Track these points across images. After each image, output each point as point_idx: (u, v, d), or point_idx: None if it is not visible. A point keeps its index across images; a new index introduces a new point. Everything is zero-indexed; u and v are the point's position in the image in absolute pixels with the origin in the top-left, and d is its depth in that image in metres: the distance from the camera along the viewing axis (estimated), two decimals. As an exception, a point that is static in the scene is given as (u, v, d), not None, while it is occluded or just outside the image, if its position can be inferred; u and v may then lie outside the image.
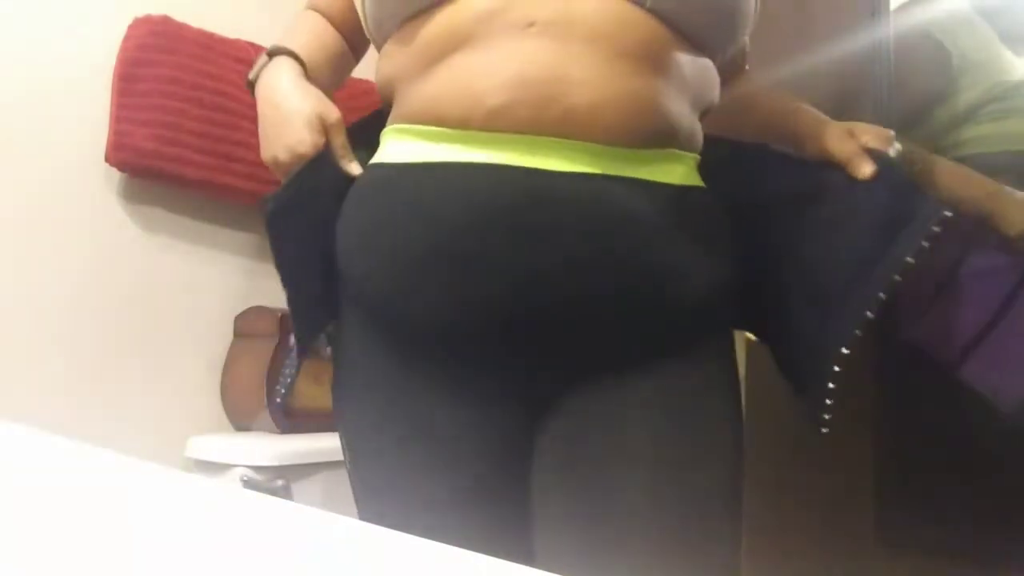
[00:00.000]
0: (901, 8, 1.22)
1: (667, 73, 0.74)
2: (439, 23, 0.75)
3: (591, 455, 0.75)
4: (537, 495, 0.77)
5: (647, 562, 0.72)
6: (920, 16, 1.20)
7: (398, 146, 0.78)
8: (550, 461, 0.76)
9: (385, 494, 0.79)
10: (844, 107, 0.91)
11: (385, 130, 0.82)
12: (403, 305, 0.75)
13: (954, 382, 0.91)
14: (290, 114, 0.81)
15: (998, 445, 1.00)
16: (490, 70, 0.72)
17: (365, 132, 0.85)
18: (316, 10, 0.94)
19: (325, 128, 0.81)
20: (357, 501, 0.82)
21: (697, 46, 0.77)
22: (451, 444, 0.76)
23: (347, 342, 0.81)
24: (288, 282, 0.79)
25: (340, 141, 0.82)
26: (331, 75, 0.92)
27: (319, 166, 0.80)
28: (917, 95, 1.16)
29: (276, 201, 0.79)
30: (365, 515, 0.80)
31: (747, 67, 0.99)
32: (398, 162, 0.78)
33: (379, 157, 0.81)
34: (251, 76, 0.87)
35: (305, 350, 0.82)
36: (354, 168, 0.82)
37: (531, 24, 0.71)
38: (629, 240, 0.72)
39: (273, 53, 0.86)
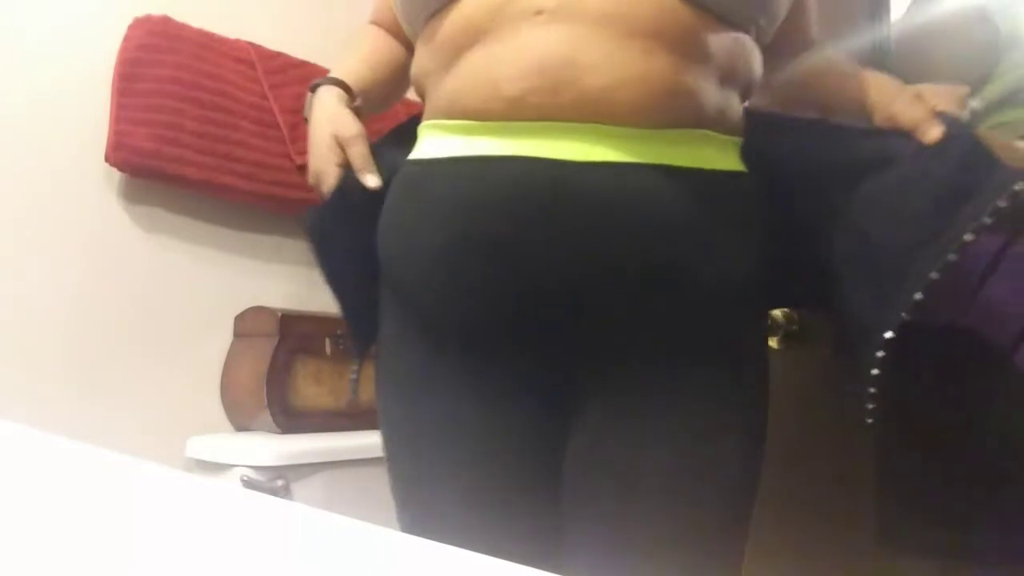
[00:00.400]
0: (901, 8, 1.22)
1: (686, 50, 0.72)
2: (456, 19, 0.76)
3: (612, 455, 0.76)
4: (566, 492, 0.78)
5: (660, 562, 0.73)
6: (921, 16, 1.19)
7: (429, 142, 0.80)
8: (576, 459, 0.77)
9: (416, 486, 0.80)
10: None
11: (419, 127, 0.83)
12: (431, 301, 0.77)
13: (954, 382, 0.91)
14: (315, 139, 0.86)
15: (999, 445, 0.99)
16: (504, 61, 0.72)
17: (406, 133, 0.86)
18: (375, 23, 0.98)
19: (341, 144, 0.84)
20: (392, 492, 0.83)
21: (722, 20, 0.74)
22: (478, 438, 0.77)
23: (386, 337, 0.83)
24: (337, 292, 0.84)
25: (356, 153, 0.84)
26: (385, 88, 0.95)
27: (347, 180, 0.84)
28: (966, 76, 1.12)
29: (312, 216, 0.84)
30: (399, 507, 0.82)
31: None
32: (428, 158, 0.79)
33: (413, 154, 0.82)
34: (305, 114, 0.91)
35: (363, 355, 0.86)
36: (369, 180, 0.83)
37: (539, 12, 0.72)
38: (652, 235, 0.71)
39: (314, 87, 0.89)
